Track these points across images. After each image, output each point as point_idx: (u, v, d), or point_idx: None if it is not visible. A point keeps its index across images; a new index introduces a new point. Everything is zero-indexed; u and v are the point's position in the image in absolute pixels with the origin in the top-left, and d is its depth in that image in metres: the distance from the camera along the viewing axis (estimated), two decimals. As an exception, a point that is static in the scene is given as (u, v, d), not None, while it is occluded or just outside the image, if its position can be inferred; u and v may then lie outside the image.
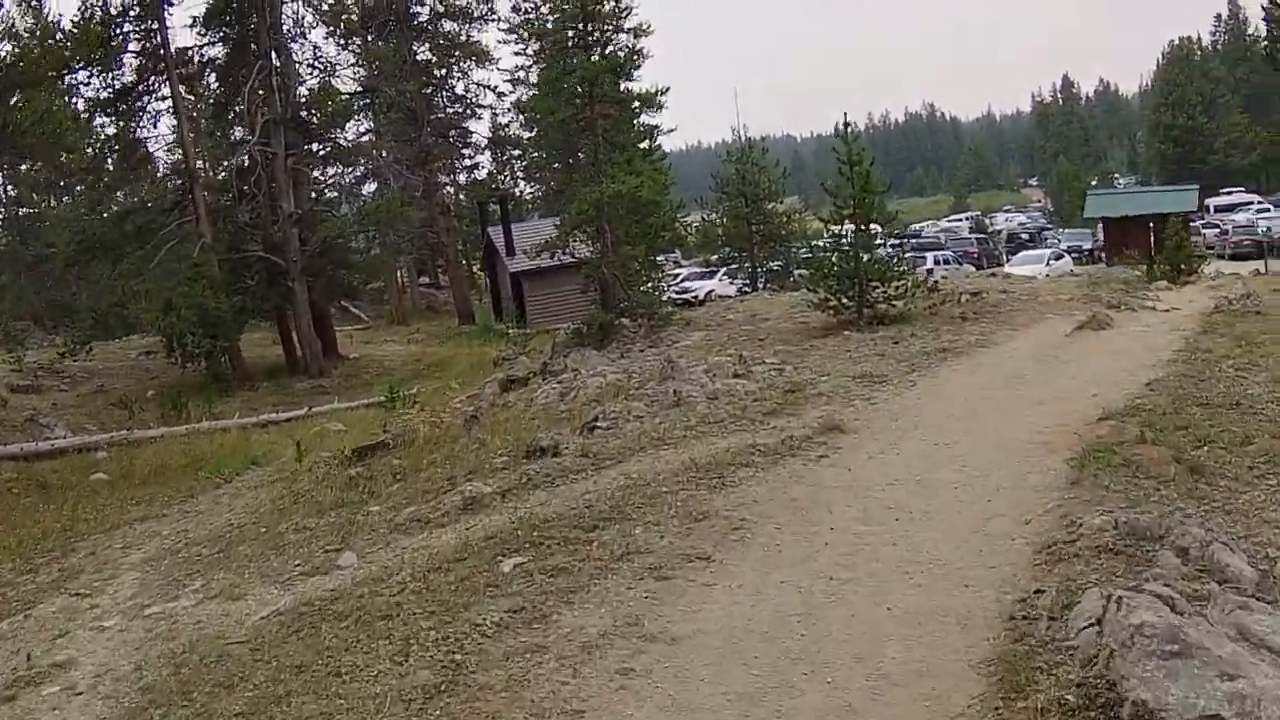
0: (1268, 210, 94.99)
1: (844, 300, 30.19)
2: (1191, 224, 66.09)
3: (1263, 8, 55.29)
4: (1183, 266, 44.15)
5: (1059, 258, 67.40)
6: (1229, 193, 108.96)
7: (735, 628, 10.61)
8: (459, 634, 11.12)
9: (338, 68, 62.64)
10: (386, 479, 20.20)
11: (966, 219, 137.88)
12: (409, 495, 18.40)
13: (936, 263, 64.20)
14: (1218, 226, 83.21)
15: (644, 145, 63.28)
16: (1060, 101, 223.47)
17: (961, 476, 14.57)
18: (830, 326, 29.78)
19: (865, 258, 30.13)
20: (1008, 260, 76.82)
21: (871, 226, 31.54)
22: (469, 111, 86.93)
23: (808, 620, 10.60)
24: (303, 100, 57.63)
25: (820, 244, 32.72)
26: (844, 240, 31.01)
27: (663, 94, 62.16)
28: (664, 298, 39.64)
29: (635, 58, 58.98)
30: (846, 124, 31.27)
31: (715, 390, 21.90)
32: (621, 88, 45.58)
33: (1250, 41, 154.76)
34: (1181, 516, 11.53)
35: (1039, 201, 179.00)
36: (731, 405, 20.56)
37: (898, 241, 51.69)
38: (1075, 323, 26.37)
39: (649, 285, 37.28)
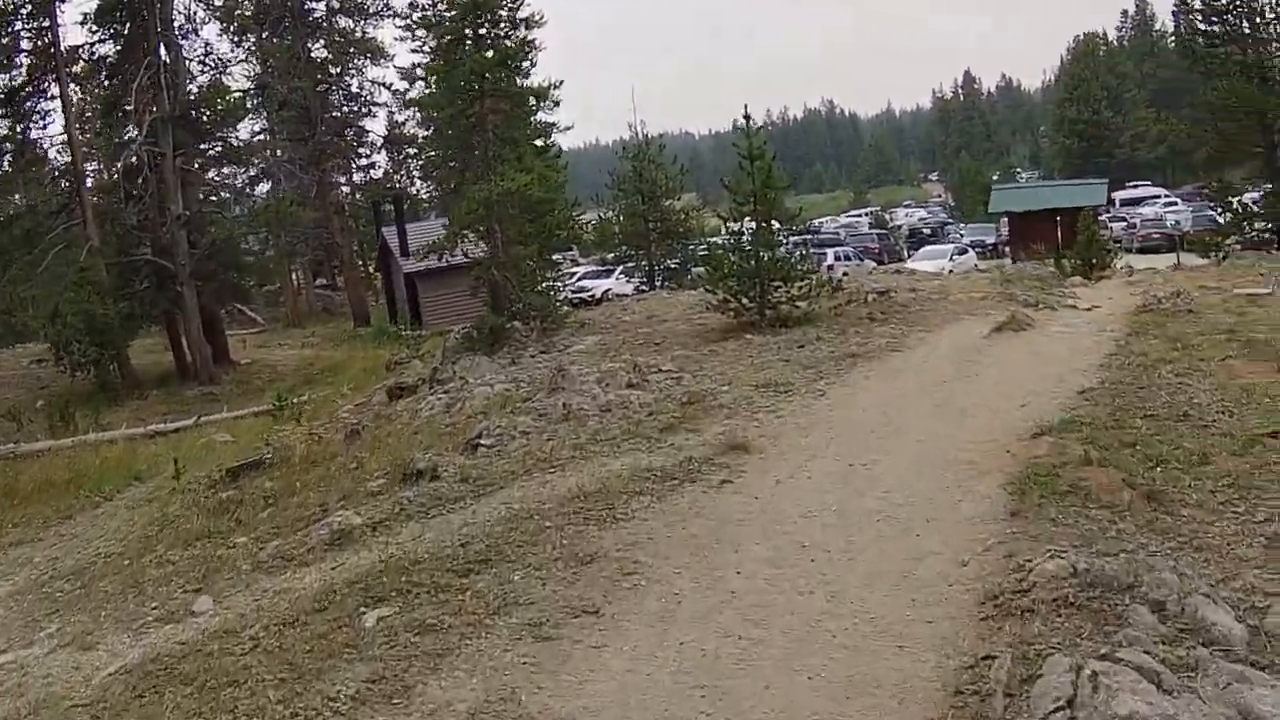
0: (1174, 204, 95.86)
1: (744, 301, 28.49)
2: (1098, 218, 65.39)
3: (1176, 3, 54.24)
4: (1095, 261, 42.95)
5: (963, 253, 66.93)
6: (1134, 186, 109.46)
7: (629, 704, 9.02)
8: (309, 709, 9.66)
9: (229, 65, 60.90)
10: (258, 504, 19.07)
11: (866, 214, 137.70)
12: (277, 525, 17.12)
13: (837, 258, 63.08)
14: (1125, 220, 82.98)
15: (540, 142, 63.31)
16: (962, 97, 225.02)
17: (884, 505, 12.94)
18: (730, 329, 28.08)
19: (766, 256, 28.46)
20: (909, 256, 76.09)
21: (773, 223, 29.82)
22: (365, 110, 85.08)
23: (714, 695, 8.99)
24: (193, 98, 56.03)
25: (719, 241, 31.04)
26: (744, 238, 29.30)
27: (556, 88, 60.85)
28: (560, 298, 38.21)
29: (527, 49, 57.26)
30: (747, 116, 29.76)
31: (608, 402, 20.37)
32: (517, 82, 43.88)
33: (1158, 36, 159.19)
34: (1148, 557, 9.98)
35: (939, 197, 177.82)
36: (625, 419, 19.04)
37: (801, 239, 50.33)
38: (992, 323, 24.79)
39: (544, 286, 35.50)
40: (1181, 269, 40.04)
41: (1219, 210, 45.73)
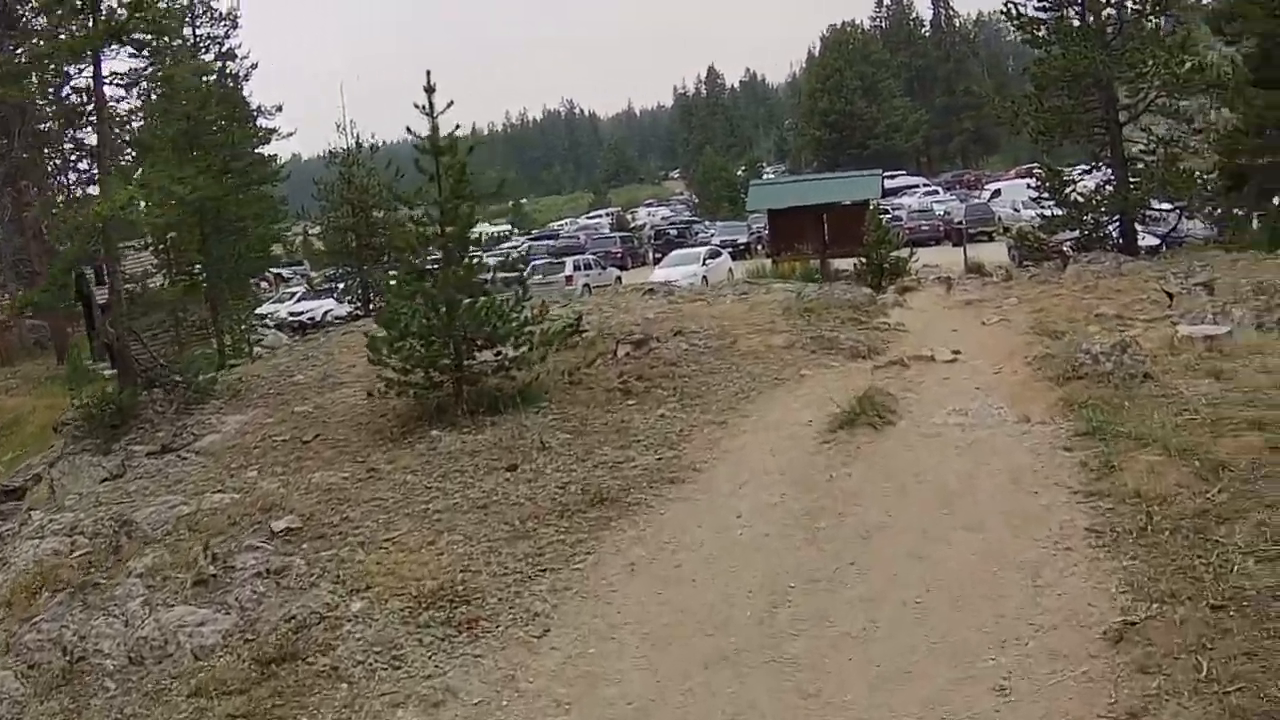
0: (935, 192, 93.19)
1: (432, 374, 18.62)
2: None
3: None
4: (887, 266, 34.88)
5: (716, 256, 60.77)
6: (893, 176, 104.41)
7: None
8: None
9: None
10: None
11: (607, 215, 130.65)
12: None
13: (576, 269, 57.84)
14: (887, 212, 76.73)
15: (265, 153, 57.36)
16: (705, 93, 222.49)
17: None
18: (413, 417, 18.57)
19: (463, 302, 18.74)
20: (656, 260, 69.53)
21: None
22: (78, 121, 75.36)
23: None
24: None
25: (401, 279, 20.86)
26: (429, 278, 19.32)
27: (225, 58, 52.62)
28: (252, 341, 33.67)
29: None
30: (430, 89, 19.51)
31: (146, 640, 11.88)
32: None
33: (914, 25, 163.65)
34: None
35: (681, 194, 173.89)
36: (150, 700, 10.86)
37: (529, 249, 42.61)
38: (826, 407, 15.27)
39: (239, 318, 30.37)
40: (1018, 278, 31.23)
41: (1052, 200, 37.93)
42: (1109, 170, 37.85)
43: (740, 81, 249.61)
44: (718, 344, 20.75)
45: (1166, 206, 37.80)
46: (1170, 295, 22.57)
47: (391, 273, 24.87)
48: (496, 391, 18.66)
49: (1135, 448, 11.94)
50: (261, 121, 62.44)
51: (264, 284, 64.33)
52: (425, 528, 13.11)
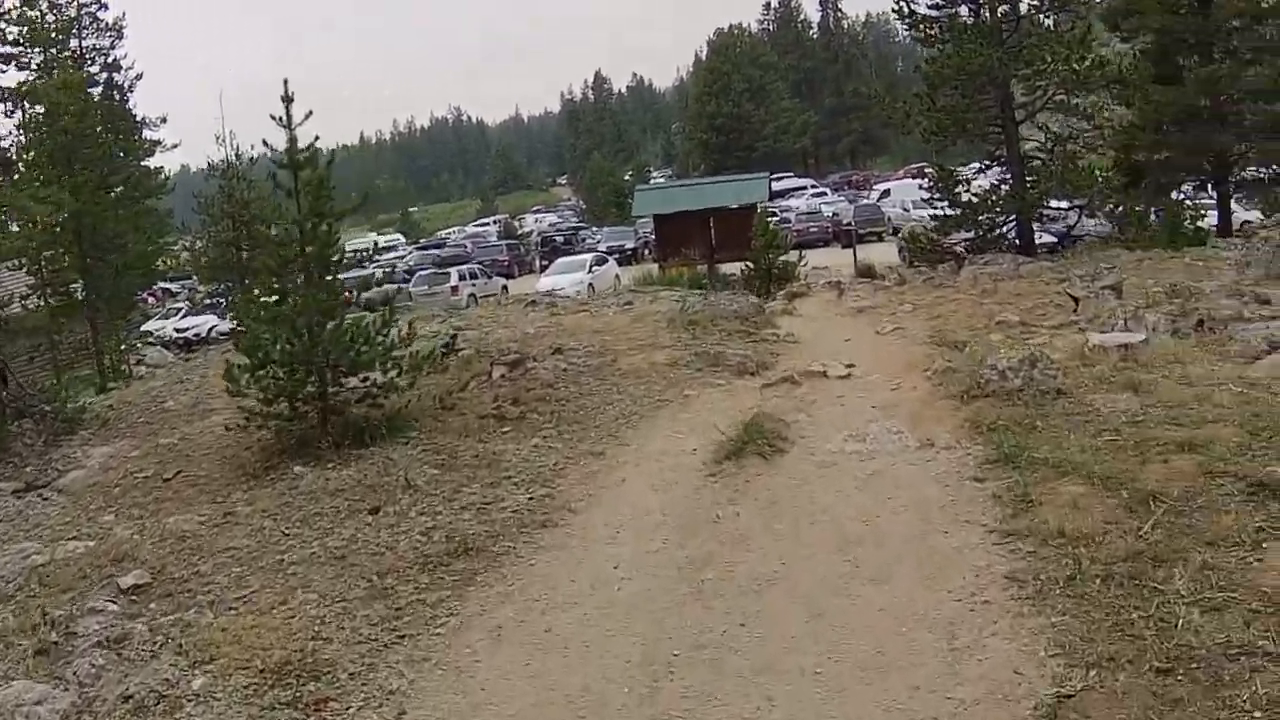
0: (824, 194, 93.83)
1: (297, 404, 17.19)
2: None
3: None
4: (776, 271, 35.32)
5: (602, 263, 60.78)
6: (780, 178, 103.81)
7: None
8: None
9: None
10: None
11: (494, 222, 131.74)
12: None
13: (462, 278, 57.68)
14: (775, 215, 76.17)
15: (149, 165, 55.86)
16: (592, 99, 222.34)
17: None
18: (277, 450, 16.98)
19: (328, 328, 17.17)
20: (543, 269, 67.93)
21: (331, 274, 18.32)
22: None
23: None
24: None
25: (258, 302, 19.38)
26: (289, 302, 17.67)
27: (110, 69, 51.97)
28: (131, 362, 32.58)
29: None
30: (288, 99, 17.90)
31: None
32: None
33: (802, 27, 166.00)
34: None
35: (569, 200, 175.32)
36: None
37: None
38: (708, 434, 14.24)
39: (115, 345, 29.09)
40: (912, 282, 30.50)
41: (945, 200, 37.15)
42: (1003, 169, 37.37)
43: (628, 87, 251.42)
44: (598, 362, 19.88)
45: (1064, 205, 37.42)
46: (1075, 299, 21.53)
47: (247, 296, 23.41)
48: (363, 421, 17.19)
49: (1054, 476, 10.84)
50: (146, 134, 61.32)
51: (151, 300, 62.90)
52: (279, 583, 11.68)
